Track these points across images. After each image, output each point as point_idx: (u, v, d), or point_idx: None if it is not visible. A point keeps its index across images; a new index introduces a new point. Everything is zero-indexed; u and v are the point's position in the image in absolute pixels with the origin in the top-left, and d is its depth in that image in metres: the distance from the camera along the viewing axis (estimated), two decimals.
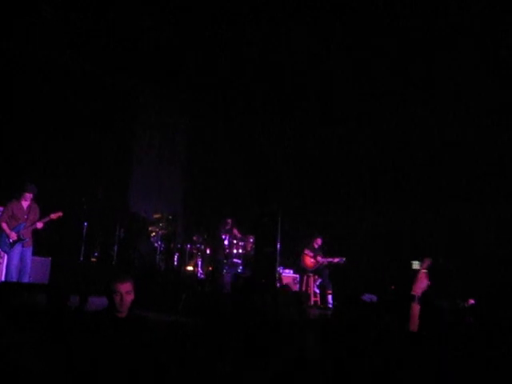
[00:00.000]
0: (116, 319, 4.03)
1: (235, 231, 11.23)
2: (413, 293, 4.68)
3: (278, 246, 8.73)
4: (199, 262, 11.07)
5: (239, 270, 10.99)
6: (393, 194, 11.25)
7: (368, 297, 9.09)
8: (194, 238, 11.42)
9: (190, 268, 11.08)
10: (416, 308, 4.70)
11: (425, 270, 4.96)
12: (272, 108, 11.68)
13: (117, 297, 4.02)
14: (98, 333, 3.90)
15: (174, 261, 11.10)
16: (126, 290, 4.04)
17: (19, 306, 4.43)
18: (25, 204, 8.45)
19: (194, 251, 11.25)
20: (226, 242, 11.08)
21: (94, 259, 9.78)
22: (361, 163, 11.51)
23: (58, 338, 3.80)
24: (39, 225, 8.42)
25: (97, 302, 5.68)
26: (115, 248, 10.02)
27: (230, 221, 11.18)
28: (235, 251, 11.37)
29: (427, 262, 5.13)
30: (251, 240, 11.30)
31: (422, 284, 4.75)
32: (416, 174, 10.93)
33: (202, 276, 10.93)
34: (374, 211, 11.44)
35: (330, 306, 10.65)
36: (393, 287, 10.09)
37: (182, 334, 4.28)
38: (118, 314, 4.04)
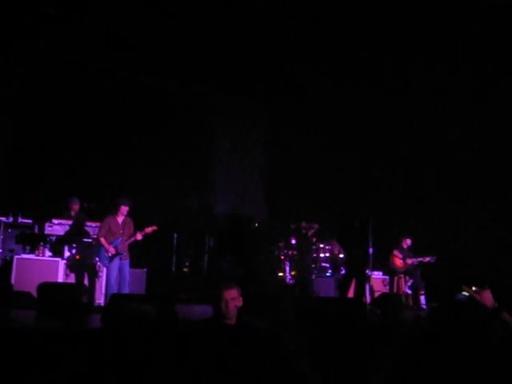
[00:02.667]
0: (225, 326, 4.16)
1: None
2: None
3: (370, 249, 8.65)
4: (287, 268, 11.15)
5: (328, 274, 11.03)
6: (480, 190, 11.00)
7: (463, 296, 8.90)
8: (281, 244, 11.52)
9: (279, 274, 11.19)
10: None
11: None
12: (353, 105, 11.60)
13: (222, 304, 4.16)
14: (208, 341, 4.05)
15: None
16: (231, 297, 4.17)
17: (132, 317, 4.64)
18: (120, 219, 8.81)
19: (282, 256, 11.35)
20: (313, 246, 11.14)
21: (185, 269, 10.04)
22: (446, 161, 11.32)
23: (179, 349, 3.97)
24: (139, 236, 8.74)
25: (197, 310, 5.88)
26: (206, 257, 10.25)
27: (304, 224, 11.24)
28: (322, 255, 11.42)
29: None
30: (337, 244, 11.31)
31: None
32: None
33: (291, 281, 11.01)
34: (461, 207, 11.20)
35: (424, 306, 10.49)
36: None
37: (287, 341, 4.35)
38: (227, 321, 4.18)
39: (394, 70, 10.56)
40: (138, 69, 11.36)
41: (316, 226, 10.97)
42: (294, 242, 11.35)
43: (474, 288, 4.77)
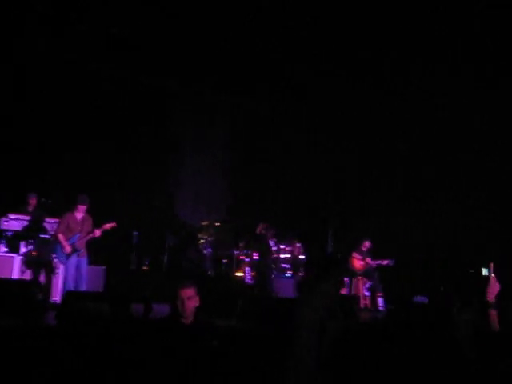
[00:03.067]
0: (181, 325, 4.15)
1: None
2: (487, 299, 4.62)
3: (329, 250, 8.75)
4: (247, 268, 11.17)
5: (287, 274, 11.08)
6: (439, 194, 11.18)
7: (419, 299, 9.07)
8: (241, 244, 11.53)
9: (238, 274, 11.20)
10: (494, 313, 4.64)
11: (493, 275, 4.92)
12: (317, 105, 11.65)
13: (179, 302, 4.14)
14: (163, 339, 4.03)
15: (222, 267, 11.26)
16: (187, 296, 4.16)
17: (84, 314, 4.59)
18: (78, 216, 8.68)
19: (242, 257, 11.37)
20: (274, 248, 11.19)
21: (145, 267, 9.96)
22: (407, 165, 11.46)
23: (134, 347, 3.94)
24: (97, 233, 8.64)
25: (156, 309, 5.84)
26: (165, 256, 10.18)
27: (264, 225, 11.30)
28: (282, 256, 11.48)
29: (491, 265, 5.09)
30: (298, 245, 11.38)
31: (494, 289, 4.70)
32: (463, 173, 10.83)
33: (250, 281, 11.02)
34: (420, 212, 11.37)
35: (381, 308, 10.62)
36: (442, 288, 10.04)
37: (245, 340, 4.37)
38: (183, 320, 4.16)
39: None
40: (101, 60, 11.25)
41: (274, 227, 11.04)
42: (254, 242, 11.39)
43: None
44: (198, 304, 4.21)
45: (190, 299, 4.17)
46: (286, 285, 10.79)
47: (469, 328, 4.37)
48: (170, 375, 3.90)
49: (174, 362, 3.95)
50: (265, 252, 10.95)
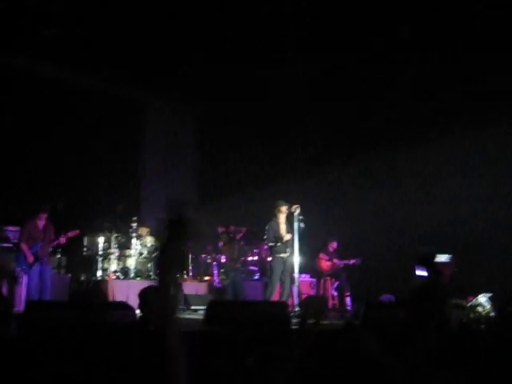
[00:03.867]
0: (150, 332, 4.10)
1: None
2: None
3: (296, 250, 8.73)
4: (215, 272, 11.11)
5: (256, 277, 11.07)
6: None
7: (386, 297, 9.14)
8: (208, 248, 11.47)
9: (206, 278, 11.14)
10: None
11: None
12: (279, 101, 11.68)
13: (146, 308, 4.12)
14: (131, 346, 3.96)
15: (189, 271, 11.17)
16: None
17: (48, 324, 4.49)
18: (40, 224, 8.54)
19: (209, 260, 11.30)
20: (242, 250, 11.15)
21: (111, 274, 9.82)
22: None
23: (101, 354, 3.86)
24: (62, 240, 8.51)
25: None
26: (133, 262, 10.05)
27: (231, 228, 11.30)
28: (250, 258, 11.44)
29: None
30: (265, 247, 11.35)
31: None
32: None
33: (219, 285, 10.96)
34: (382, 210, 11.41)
35: (349, 308, 10.68)
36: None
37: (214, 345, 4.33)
38: (151, 326, 4.12)
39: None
40: (62, 68, 11.08)
41: (244, 229, 10.99)
42: (221, 245, 11.35)
43: None
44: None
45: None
46: (254, 288, 10.78)
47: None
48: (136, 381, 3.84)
49: (140, 368, 3.88)
50: (233, 255, 10.91)
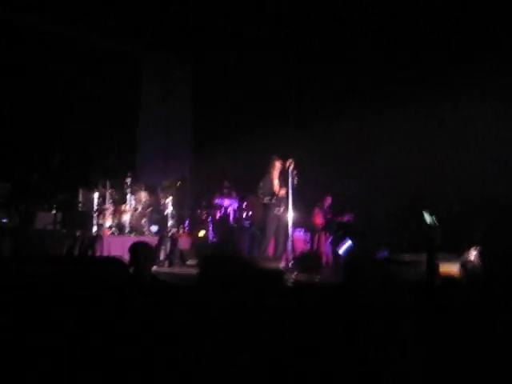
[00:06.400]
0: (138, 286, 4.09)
1: (233, 193, 11.38)
2: None
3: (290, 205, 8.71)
4: (210, 227, 11.12)
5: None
6: None
7: (382, 254, 9.18)
8: (203, 203, 11.46)
9: (201, 233, 11.14)
10: None
11: None
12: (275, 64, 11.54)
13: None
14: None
15: (185, 227, 11.18)
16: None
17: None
18: None
19: (204, 216, 11.29)
20: (235, 206, 11.17)
21: (107, 230, 9.81)
22: None
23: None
24: None
25: None
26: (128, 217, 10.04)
27: (225, 183, 11.29)
28: (244, 214, 11.41)
29: None
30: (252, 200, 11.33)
31: None
32: None
33: (215, 239, 10.99)
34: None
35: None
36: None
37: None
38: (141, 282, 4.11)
39: None
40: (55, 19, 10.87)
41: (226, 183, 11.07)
42: (217, 201, 11.35)
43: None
44: (153, 265, 4.16)
45: (147, 259, 4.10)
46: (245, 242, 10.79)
47: None
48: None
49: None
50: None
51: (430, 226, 7.25)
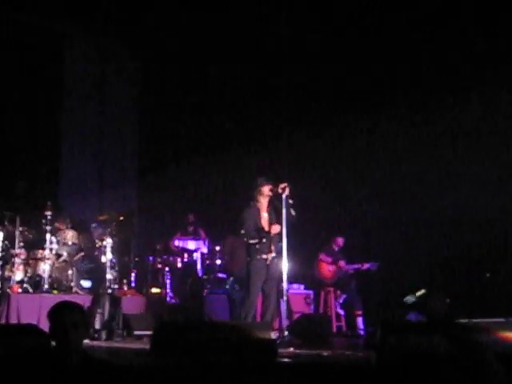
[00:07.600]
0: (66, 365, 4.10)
1: (201, 232, 11.41)
2: None
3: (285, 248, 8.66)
4: (168, 281, 11.09)
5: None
6: None
7: (414, 316, 9.18)
8: (158, 247, 11.45)
9: (155, 290, 11.09)
10: None
11: None
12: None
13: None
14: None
15: (130, 281, 11.13)
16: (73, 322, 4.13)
17: None
18: None
19: (159, 265, 11.27)
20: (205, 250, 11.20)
21: (16, 286, 9.76)
22: None
23: None
24: None
25: None
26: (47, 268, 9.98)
27: (191, 216, 11.37)
28: (219, 262, 11.37)
29: None
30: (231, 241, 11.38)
31: None
32: None
33: (173, 300, 10.96)
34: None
35: (361, 332, 10.72)
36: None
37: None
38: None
39: None
40: None
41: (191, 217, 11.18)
42: (178, 243, 11.37)
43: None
44: (85, 336, 4.17)
45: (77, 328, 4.11)
46: (221, 302, 10.76)
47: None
48: None
49: None
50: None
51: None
